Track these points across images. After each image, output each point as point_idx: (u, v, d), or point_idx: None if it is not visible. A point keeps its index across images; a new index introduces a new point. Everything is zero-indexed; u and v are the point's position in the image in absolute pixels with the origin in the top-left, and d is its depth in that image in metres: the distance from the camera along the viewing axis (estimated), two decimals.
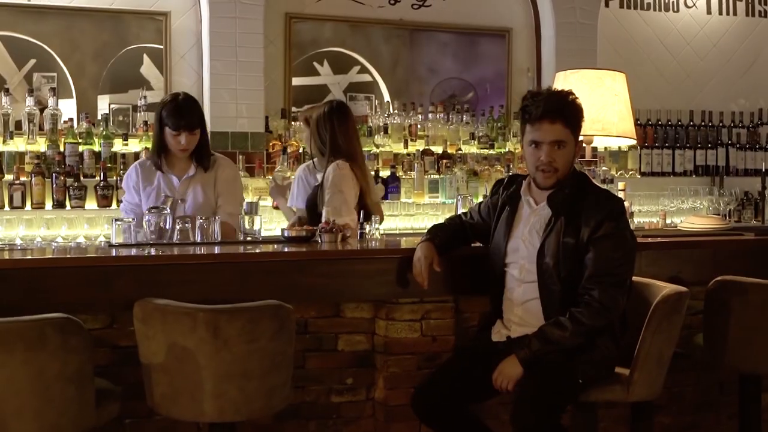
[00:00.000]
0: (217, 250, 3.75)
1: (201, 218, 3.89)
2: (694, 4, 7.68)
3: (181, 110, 4.22)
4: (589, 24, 7.08)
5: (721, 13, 7.77)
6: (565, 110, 3.30)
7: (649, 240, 4.12)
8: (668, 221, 5.28)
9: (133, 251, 3.59)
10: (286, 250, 3.82)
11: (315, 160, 4.74)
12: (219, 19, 6.15)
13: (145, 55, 6.27)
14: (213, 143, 5.11)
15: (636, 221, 5.16)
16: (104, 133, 5.90)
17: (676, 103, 7.55)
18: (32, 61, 6.05)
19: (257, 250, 3.79)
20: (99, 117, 6.01)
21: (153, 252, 3.51)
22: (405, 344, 3.76)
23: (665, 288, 3.31)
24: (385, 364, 3.76)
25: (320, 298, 3.68)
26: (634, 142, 4.38)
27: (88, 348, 2.89)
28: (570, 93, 3.39)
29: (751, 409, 3.85)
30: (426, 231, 3.69)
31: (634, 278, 3.51)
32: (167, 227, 3.86)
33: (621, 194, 4.51)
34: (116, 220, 3.82)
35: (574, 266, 3.28)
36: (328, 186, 4.37)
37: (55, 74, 6.09)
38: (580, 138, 3.41)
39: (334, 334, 3.81)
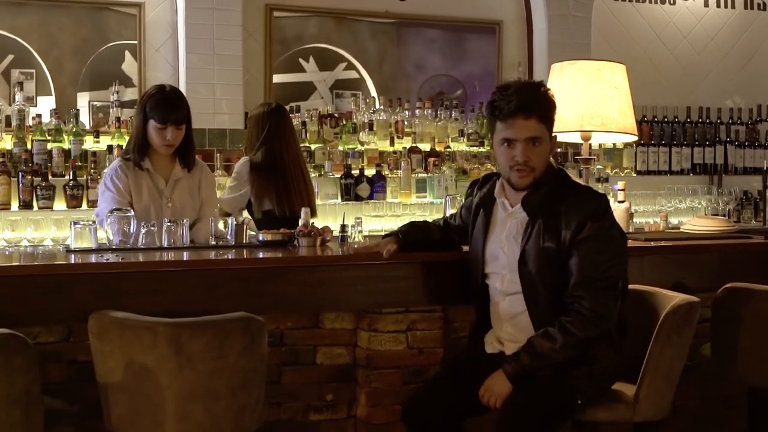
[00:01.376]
0: (185, 256, 3.45)
1: (168, 221, 3.59)
2: None
3: (169, 102, 3.93)
4: (582, 16, 6.86)
5: (718, 6, 7.54)
6: (539, 104, 3.01)
7: (652, 244, 3.86)
8: (669, 222, 5.01)
9: (93, 257, 3.30)
10: (260, 255, 3.53)
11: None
12: (195, 10, 5.91)
13: (126, 52, 6.05)
14: None
15: (636, 222, 4.89)
16: (74, 129, 5.61)
17: (673, 99, 7.30)
18: (10, 57, 5.83)
19: (228, 256, 3.50)
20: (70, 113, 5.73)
21: (112, 258, 3.22)
22: (389, 357, 3.50)
23: (675, 298, 3.03)
24: (368, 379, 3.50)
25: (297, 308, 3.41)
26: (635, 138, 4.10)
27: (35, 366, 2.61)
28: (542, 84, 3.12)
29: (761, 424, 3.59)
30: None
31: (639, 287, 3.25)
32: (131, 231, 3.55)
33: (621, 194, 4.24)
34: (75, 222, 3.52)
35: (559, 272, 3.00)
36: None
37: (33, 71, 5.88)
38: (554, 134, 3.17)
39: (312, 346, 3.55)
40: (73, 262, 3.23)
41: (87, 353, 2.93)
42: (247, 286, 3.25)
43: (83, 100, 5.96)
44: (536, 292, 3.02)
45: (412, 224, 3.57)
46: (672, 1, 7.38)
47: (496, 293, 3.17)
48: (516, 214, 3.12)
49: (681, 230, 4.29)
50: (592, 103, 3.85)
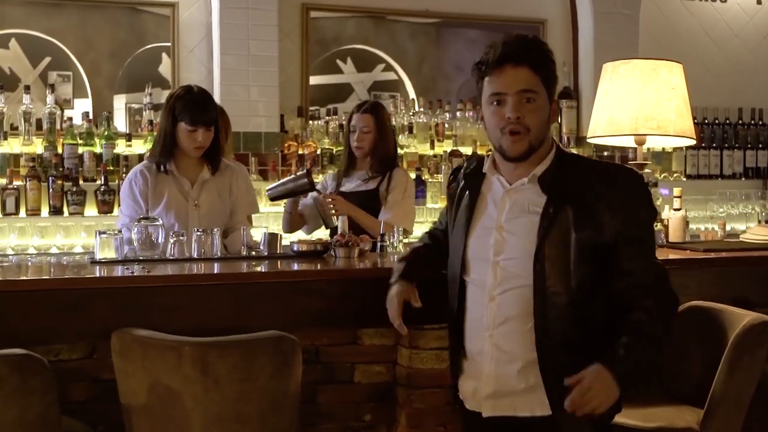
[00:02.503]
0: (214, 268, 3.27)
1: (198, 230, 3.41)
2: None
3: (199, 103, 3.80)
4: (630, 14, 6.61)
5: None
6: (530, 51, 2.51)
7: (713, 255, 3.61)
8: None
9: (117, 269, 3.12)
10: (295, 267, 3.34)
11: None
12: (230, 9, 5.74)
13: (163, 54, 5.93)
14: None
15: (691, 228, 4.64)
16: (106, 133, 5.47)
17: (724, 99, 7.00)
18: (47, 59, 5.74)
19: (260, 268, 3.31)
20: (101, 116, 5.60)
21: (137, 270, 3.03)
22: (431, 376, 3.27)
23: (746, 316, 2.77)
24: (409, 399, 3.28)
25: (334, 324, 3.20)
26: (693, 142, 3.85)
27: (52, 388, 2.43)
28: (535, 36, 2.65)
29: None
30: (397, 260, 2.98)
31: (701, 303, 3.01)
32: (159, 241, 3.37)
33: (676, 201, 3.99)
34: (100, 232, 3.34)
35: (591, 270, 2.47)
36: None
37: (70, 73, 5.79)
38: (561, 103, 2.75)
39: (349, 364, 3.34)
40: (95, 275, 3.05)
41: (111, 371, 2.74)
42: (279, 300, 3.06)
43: (120, 103, 5.85)
44: (554, 293, 2.45)
45: (416, 254, 2.95)
46: None
47: (480, 294, 2.57)
48: (521, 191, 2.55)
49: (741, 240, 4.03)
50: (648, 104, 3.61)
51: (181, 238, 3.40)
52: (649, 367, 2.53)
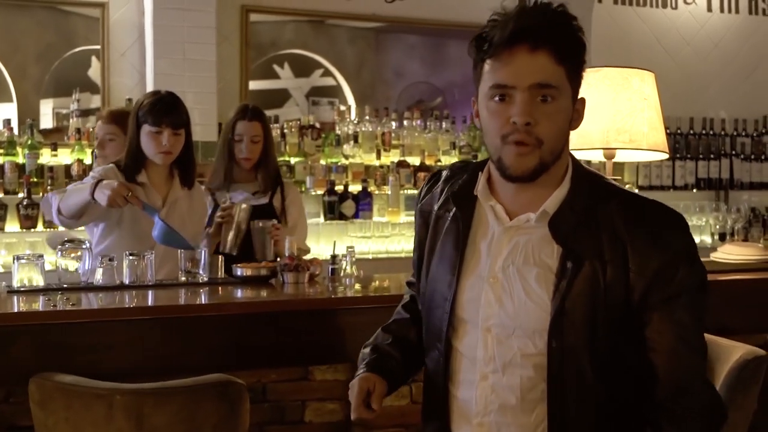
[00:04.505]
0: (150, 297, 2.92)
1: (129, 254, 3.06)
2: (694, 1, 7.00)
3: (164, 103, 3.45)
4: (581, 21, 6.35)
5: (722, 11, 7.10)
6: (555, 31, 1.82)
7: None
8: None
9: (39, 300, 2.76)
10: (239, 295, 3.01)
11: None
12: (164, 10, 5.40)
13: (93, 57, 5.61)
14: None
15: None
16: (29, 142, 5.07)
17: (675, 109, 6.81)
18: None
19: (201, 298, 2.97)
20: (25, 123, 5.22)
21: (60, 303, 2.67)
22: (390, 414, 2.98)
23: (737, 349, 2.48)
24: None
25: (284, 362, 2.89)
26: (666, 156, 3.61)
27: None
28: (563, 6, 1.88)
29: None
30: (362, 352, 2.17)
31: None
32: (86, 267, 3.02)
33: None
34: (18, 257, 2.98)
35: (618, 346, 1.85)
36: None
37: None
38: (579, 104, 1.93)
39: (300, 401, 3.02)
40: (11, 309, 2.68)
41: (30, 417, 2.41)
42: (222, 335, 2.74)
43: (47, 107, 5.55)
44: (576, 381, 1.83)
45: (377, 351, 2.13)
46: (674, 6, 6.94)
47: (469, 367, 1.93)
48: (527, 230, 1.90)
49: (712, 259, 3.81)
50: (619, 116, 3.36)
51: (110, 262, 3.04)
52: None
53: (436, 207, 2.04)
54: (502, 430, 1.88)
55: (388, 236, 5.53)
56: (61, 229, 4.10)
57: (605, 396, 1.84)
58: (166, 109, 3.44)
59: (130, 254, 3.07)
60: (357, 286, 3.29)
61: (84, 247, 3.06)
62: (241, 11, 5.77)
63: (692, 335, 1.88)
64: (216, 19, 5.50)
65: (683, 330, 1.86)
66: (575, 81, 1.87)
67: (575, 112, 1.90)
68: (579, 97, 1.91)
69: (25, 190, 4.94)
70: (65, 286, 2.99)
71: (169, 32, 5.39)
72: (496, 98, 1.83)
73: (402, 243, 5.62)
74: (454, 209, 1.97)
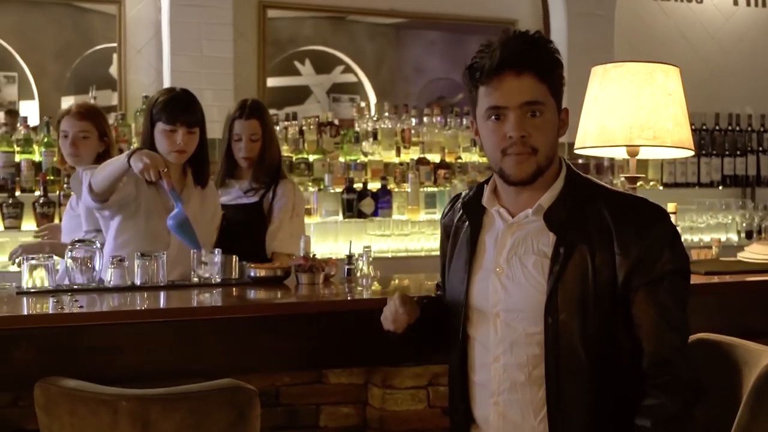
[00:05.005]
0: (161, 299, 2.87)
1: (140, 255, 3.01)
2: None
3: (179, 101, 3.40)
4: (604, 15, 6.36)
5: (748, 5, 7.00)
6: (535, 55, 2.12)
7: (716, 280, 3.28)
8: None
9: (50, 301, 2.71)
10: (252, 296, 2.95)
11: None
12: (181, 7, 5.39)
13: (114, 55, 5.58)
14: None
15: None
16: (45, 140, 5.04)
17: (700, 104, 6.68)
18: None
19: (211, 301, 2.91)
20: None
21: (68, 305, 2.62)
22: (407, 419, 2.92)
23: (765, 353, 2.44)
24: None
25: (296, 366, 2.82)
26: (691, 153, 3.53)
27: None
28: (539, 33, 2.19)
29: None
30: None
31: (710, 336, 2.66)
32: (97, 267, 2.97)
33: (673, 218, 3.66)
34: (26, 257, 2.93)
35: (607, 323, 2.11)
36: None
37: (15, 74, 5.50)
38: (564, 106, 2.23)
39: (314, 405, 2.96)
40: (18, 313, 2.62)
41: (37, 421, 2.36)
42: (233, 338, 2.68)
43: (68, 105, 5.43)
44: (569, 353, 2.09)
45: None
46: None
47: (484, 353, 2.21)
48: (525, 226, 2.19)
49: (740, 259, 3.71)
50: (643, 112, 3.27)
51: (121, 262, 2.99)
52: None
53: (455, 220, 2.37)
54: (514, 406, 2.15)
55: (408, 234, 5.47)
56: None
57: (597, 371, 2.09)
58: (181, 107, 3.39)
59: (142, 255, 3.02)
60: (374, 287, 3.22)
61: (95, 247, 3.01)
62: (258, 7, 5.74)
63: (674, 316, 2.11)
64: (233, 15, 5.49)
65: (665, 311, 2.10)
66: (557, 95, 2.19)
67: (561, 122, 2.21)
68: (563, 107, 2.22)
69: (42, 189, 4.91)
70: (75, 287, 2.94)
71: (185, 29, 5.38)
72: (493, 118, 2.14)
73: (422, 241, 5.56)
74: (466, 217, 2.31)
